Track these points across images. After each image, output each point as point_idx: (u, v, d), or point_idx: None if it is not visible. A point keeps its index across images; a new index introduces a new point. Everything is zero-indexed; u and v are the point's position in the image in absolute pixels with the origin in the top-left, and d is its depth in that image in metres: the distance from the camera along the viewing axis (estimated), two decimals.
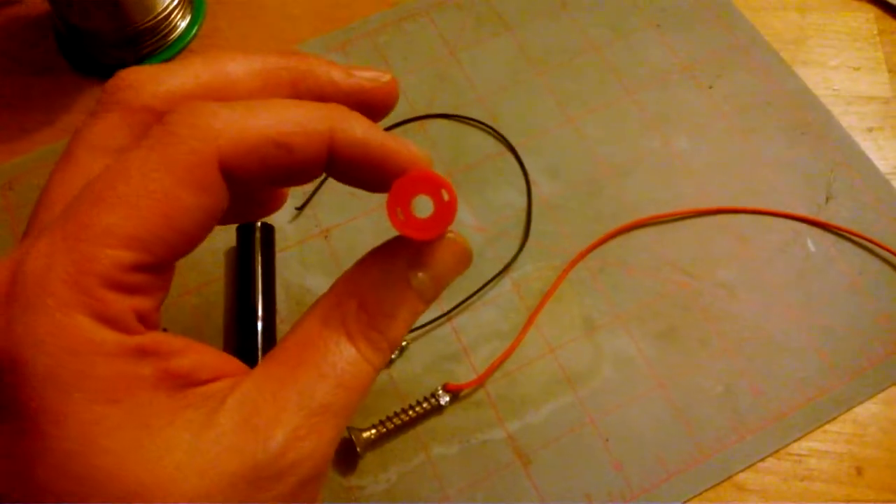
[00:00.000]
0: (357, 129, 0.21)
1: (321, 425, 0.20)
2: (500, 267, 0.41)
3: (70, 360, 0.18)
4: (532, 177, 0.43)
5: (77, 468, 0.18)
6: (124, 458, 0.18)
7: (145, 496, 0.18)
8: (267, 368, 0.21)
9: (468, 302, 0.40)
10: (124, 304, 0.19)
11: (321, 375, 0.21)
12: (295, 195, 0.42)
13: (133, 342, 0.19)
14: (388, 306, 0.22)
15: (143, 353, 0.19)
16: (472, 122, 0.45)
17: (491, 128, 0.44)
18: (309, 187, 0.42)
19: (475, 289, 0.40)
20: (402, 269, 0.23)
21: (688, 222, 0.42)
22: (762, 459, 0.37)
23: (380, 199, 0.41)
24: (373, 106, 0.24)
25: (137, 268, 0.19)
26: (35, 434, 0.18)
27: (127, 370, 0.19)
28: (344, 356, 0.21)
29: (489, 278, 0.40)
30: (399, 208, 0.22)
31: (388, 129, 0.44)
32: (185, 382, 0.20)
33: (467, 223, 0.42)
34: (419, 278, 0.23)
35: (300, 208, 0.42)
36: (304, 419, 0.20)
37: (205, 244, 0.42)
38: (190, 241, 0.20)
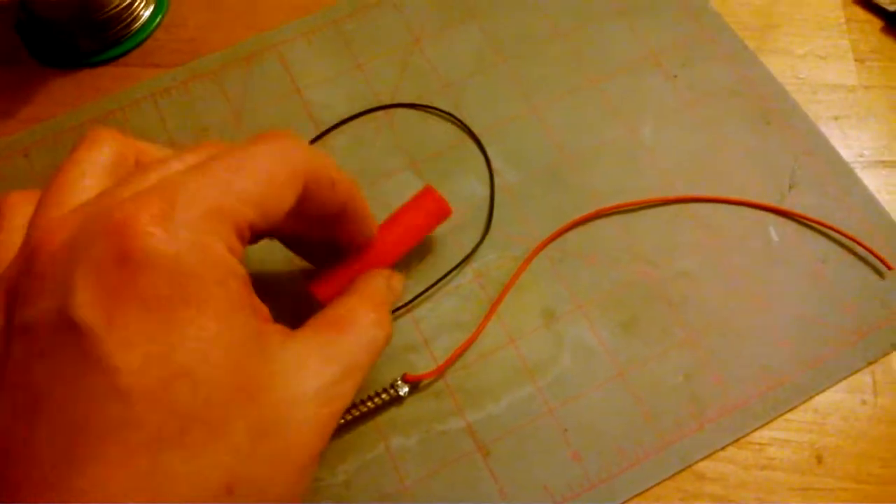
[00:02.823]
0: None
1: (353, 376, 0.27)
2: (462, 257, 0.40)
3: (212, 269, 0.22)
4: (495, 166, 0.43)
5: (216, 355, 0.21)
6: (266, 365, 0.23)
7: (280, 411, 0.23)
8: (315, 329, 0.27)
9: (429, 292, 0.39)
10: (239, 252, 0.23)
11: (356, 339, 0.28)
12: None
13: (245, 276, 0.24)
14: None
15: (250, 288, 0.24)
16: (435, 111, 0.44)
17: (454, 117, 0.44)
18: None
19: (436, 278, 0.40)
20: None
21: (650, 211, 0.42)
22: (722, 448, 0.37)
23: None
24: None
25: (251, 228, 0.24)
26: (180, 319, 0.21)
27: (246, 293, 0.23)
28: (370, 328, 0.29)
29: (450, 268, 0.40)
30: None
31: (353, 118, 0.44)
32: (265, 318, 0.26)
33: None
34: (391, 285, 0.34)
35: None
36: (342, 370, 0.26)
37: None
38: (274, 229, 0.26)
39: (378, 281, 0.32)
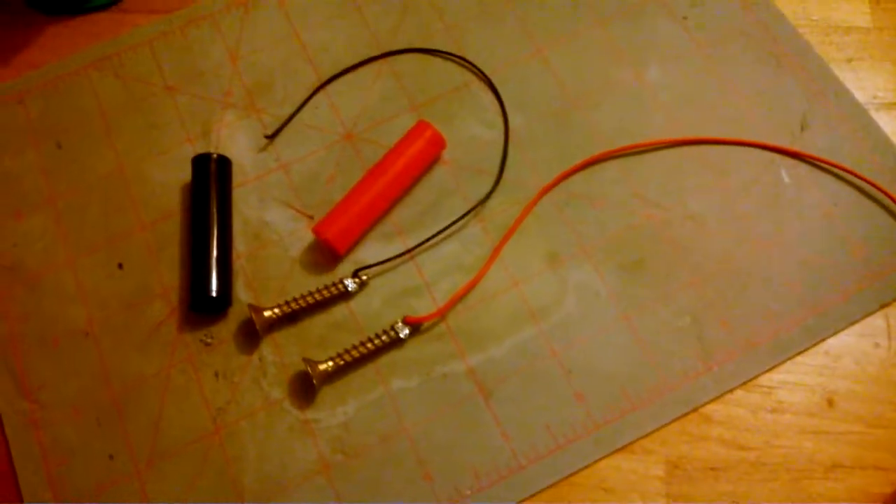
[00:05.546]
0: None
1: None
2: (466, 201, 0.39)
3: None
4: (498, 108, 0.42)
5: None
6: None
7: None
8: None
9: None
10: None
11: None
12: (265, 125, 0.41)
13: None
14: None
15: None
16: (441, 54, 0.43)
17: (465, 60, 0.43)
18: (282, 114, 0.41)
19: (441, 226, 0.39)
20: None
21: (658, 153, 0.41)
22: (730, 391, 0.36)
23: (342, 130, 0.40)
24: None
25: None
26: None
27: None
28: None
29: (456, 214, 0.39)
30: None
31: (355, 67, 0.43)
32: None
33: None
34: None
35: (271, 137, 0.41)
36: None
37: (159, 178, 0.41)
38: None
39: None
